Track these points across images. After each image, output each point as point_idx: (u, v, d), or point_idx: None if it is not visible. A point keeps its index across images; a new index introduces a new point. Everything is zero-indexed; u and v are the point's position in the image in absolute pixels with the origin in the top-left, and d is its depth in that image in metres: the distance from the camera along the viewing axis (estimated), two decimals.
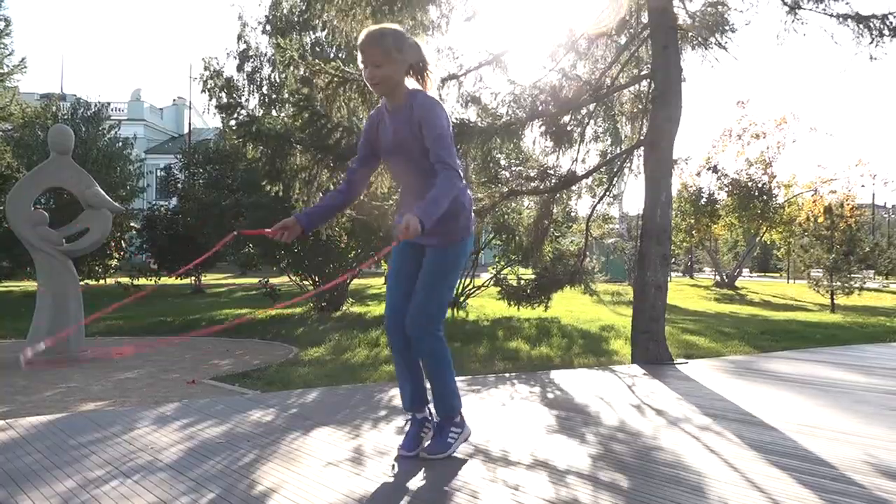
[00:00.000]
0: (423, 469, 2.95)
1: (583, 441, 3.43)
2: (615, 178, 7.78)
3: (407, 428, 3.18)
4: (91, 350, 8.09)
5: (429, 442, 3.13)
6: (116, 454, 3.23)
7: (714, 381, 5.36)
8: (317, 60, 6.98)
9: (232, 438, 3.51)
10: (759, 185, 26.79)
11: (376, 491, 2.67)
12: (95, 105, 23.98)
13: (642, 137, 7.48)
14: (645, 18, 7.71)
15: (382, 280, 26.41)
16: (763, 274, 49.85)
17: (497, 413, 4.14)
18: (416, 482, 2.80)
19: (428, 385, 3.13)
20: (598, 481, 2.77)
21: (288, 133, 6.00)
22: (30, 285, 21.64)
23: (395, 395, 4.68)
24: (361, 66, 2.90)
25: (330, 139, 5.90)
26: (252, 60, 23.98)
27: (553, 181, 7.64)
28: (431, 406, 3.17)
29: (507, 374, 5.96)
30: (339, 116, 6.45)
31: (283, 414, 4.13)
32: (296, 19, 23.86)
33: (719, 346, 8.69)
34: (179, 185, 18.62)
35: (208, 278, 23.88)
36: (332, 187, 6.34)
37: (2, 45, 23.02)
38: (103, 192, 8.17)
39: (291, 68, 7.03)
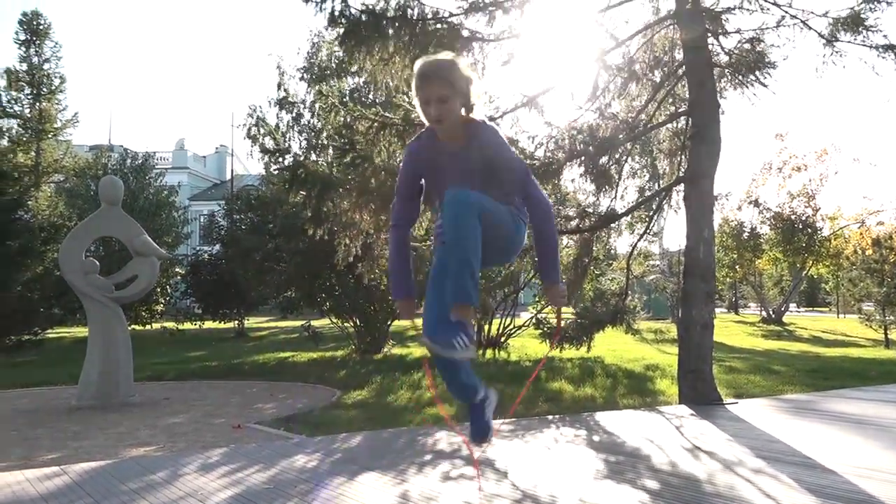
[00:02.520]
0: None
1: (633, 485, 3.35)
2: (655, 216, 7.71)
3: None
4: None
5: (469, 430, 3.02)
6: (165, 499, 3.27)
7: (766, 422, 5.21)
8: (357, 106, 7.13)
9: (279, 484, 3.52)
10: (803, 219, 26.28)
11: None
12: (142, 155, 24.80)
13: (682, 174, 7.44)
14: (679, 55, 7.74)
15: (422, 321, 26.35)
16: (811, 309, 48.55)
17: (543, 457, 4.08)
18: None
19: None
20: None
21: (331, 177, 6.11)
22: (80, 331, 22.20)
23: (439, 439, 4.65)
24: (420, 101, 2.62)
25: (372, 182, 6.00)
26: (292, 108, 24.58)
27: (593, 220, 7.62)
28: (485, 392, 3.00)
29: (550, 417, 5.88)
30: (379, 160, 6.55)
31: (328, 459, 4.13)
32: (333, 66, 24.48)
33: (770, 385, 8.45)
34: (223, 231, 19.01)
35: (250, 322, 24.15)
36: (372, 231, 6.42)
37: (56, 101, 24.11)
38: (151, 240, 8.40)
39: (332, 114, 7.20)
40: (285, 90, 23.94)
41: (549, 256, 2.73)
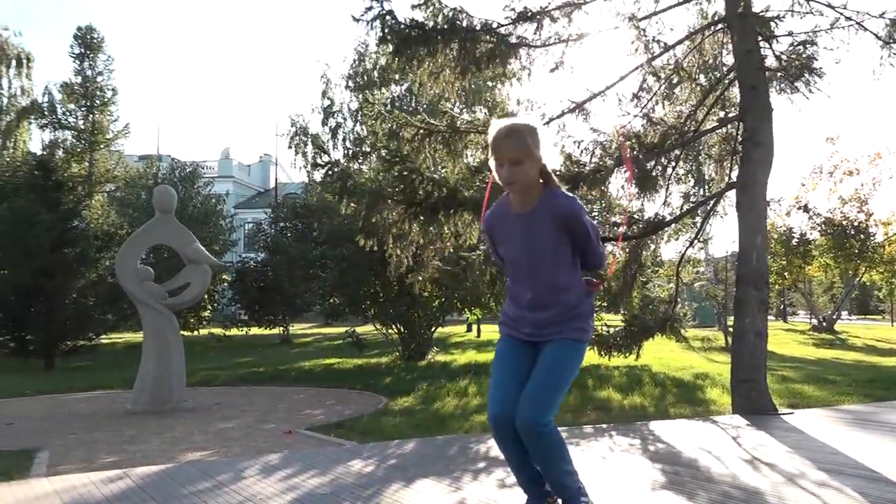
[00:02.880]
0: None
1: (693, 497, 3.30)
2: (705, 223, 7.61)
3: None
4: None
5: None
6: (228, 502, 3.33)
7: (826, 433, 5.07)
8: (402, 114, 7.19)
9: (336, 489, 3.56)
10: (855, 224, 25.57)
11: None
12: (190, 165, 25.37)
13: (732, 180, 7.32)
14: (728, 60, 7.63)
15: (464, 328, 26.41)
16: (863, 316, 47.17)
17: (598, 467, 4.04)
18: None
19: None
20: None
21: (380, 188, 6.18)
22: (132, 337, 22.76)
23: (492, 447, 4.64)
24: (496, 160, 2.64)
25: (420, 192, 6.04)
26: (335, 116, 24.95)
27: (641, 226, 7.54)
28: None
29: (603, 426, 5.82)
30: (424, 168, 6.60)
31: (382, 465, 4.16)
32: (376, 76, 24.78)
33: (826, 396, 8.24)
34: (269, 239, 19.33)
35: (295, 328, 24.49)
36: (421, 241, 6.45)
37: (108, 113, 24.84)
38: (203, 248, 8.59)
39: (379, 122, 7.28)
40: (330, 98, 24.35)
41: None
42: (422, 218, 6.14)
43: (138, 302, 8.18)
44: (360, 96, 23.43)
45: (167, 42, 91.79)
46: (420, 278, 7.01)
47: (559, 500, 2.81)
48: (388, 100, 22.39)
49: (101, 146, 24.75)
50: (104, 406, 8.52)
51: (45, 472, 4.79)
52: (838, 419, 5.86)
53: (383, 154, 6.36)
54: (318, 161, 7.05)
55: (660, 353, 14.21)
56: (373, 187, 6.17)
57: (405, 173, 6.01)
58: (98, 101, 24.80)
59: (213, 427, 6.89)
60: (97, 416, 7.72)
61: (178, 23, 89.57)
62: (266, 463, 4.31)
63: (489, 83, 7.91)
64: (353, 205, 6.30)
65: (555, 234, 2.68)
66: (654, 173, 7.47)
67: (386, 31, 6.41)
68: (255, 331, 22.62)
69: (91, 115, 24.76)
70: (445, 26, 6.52)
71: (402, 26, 6.41)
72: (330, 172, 6.30)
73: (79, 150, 24.34)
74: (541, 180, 2.69)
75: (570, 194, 2.79)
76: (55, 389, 10.30)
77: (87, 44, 24.77)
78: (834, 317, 28.01)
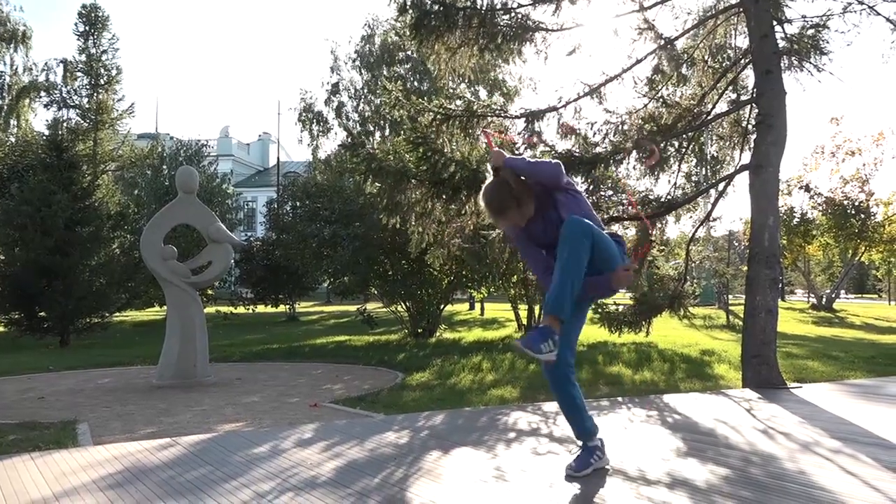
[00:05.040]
0: (573, 486, 3.13)
1: (717, 463, 3.52)
2: (717, 203, 7.79)
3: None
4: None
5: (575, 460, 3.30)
6: (279, 468, 3.55)
7: (835, 405, 5.31)
8: (420, 100, 7.34)
9: (378, 457, 3.77)
10: (856, 204, 25.77)
11: None
12: (194, 144, 25.44)
13: (744, 162, 7.49)
14: (741, 43, 7.77)
15: (467, 307, 26.71)
16: (860, 295, 47.53)
17: (622, 435, 4.26)
18: (565, 498, 2.98)
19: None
20: (746, 501, 2.87)
21: (405, 169, 6.35)
22: (140, 316, 23.00)
23: (519, 418, 4.88)
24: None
25: (444, 174, 6.22)
26: (340, 94, 24.98)
27: (653, 207, 7.72)
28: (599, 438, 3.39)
29: (618, 398, 6.05)
30: (447, 150, 6.76)
31: (418, 435, 4.38)
32: (384, 55, 24.76)
33: (831, 371, 8.49)
34: (285, 218, 19.51)
35: (299, 307, 24.73)
36: (443, 218, 6.65)
37: (113, 92, 24.87)
38: (225, 228, 8.77)
39: (396, 108, 7.42)
40: (339, 75, 24.36)
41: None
42: (444, 197, 6.33)
43: (163, 280, 8.37)
44: (368, 75, 23.44)
45: (163, 19, 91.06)
46: (438, 255, 7.20)
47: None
48: (395, 78, 22.42)
49: (107, 125, 24.81)
50: (129, 381, 8.74)
51: (91, 441, 5.01)
52: (845, 392, 6.10)
53: (407, 135, 6.51)
54: (346, 143, 7.17)
55: (664, 331, 14.46)
56: (398, 167, 6.34)
57: (429, 154, 6.18)
58: (103, 80, 24.81)
59: (240, 400, 7.11)
60: (125, 391, 7.94)
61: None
62: (304, 433, 4.53)
63: (499, 62, 8.02)
64: (377, 184, 6.48)
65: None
66: (666, 155, 7.66)
67: (409, 2, 6.52)
68: (260, 308, 22.86)
69: (96, 94, 24.79)
70: (468, 3, 6.64)
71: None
72: (357, 153, 6.45)
73: (84, 129, 24.39)
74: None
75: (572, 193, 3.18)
76: (77, 365, 10.53)
77: (91, 22, 24.73)
78: (833, 295, 28.29)
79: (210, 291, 21.88)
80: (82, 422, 5.90)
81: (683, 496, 2.95)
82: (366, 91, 23.64)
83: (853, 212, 25.59)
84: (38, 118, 29.28)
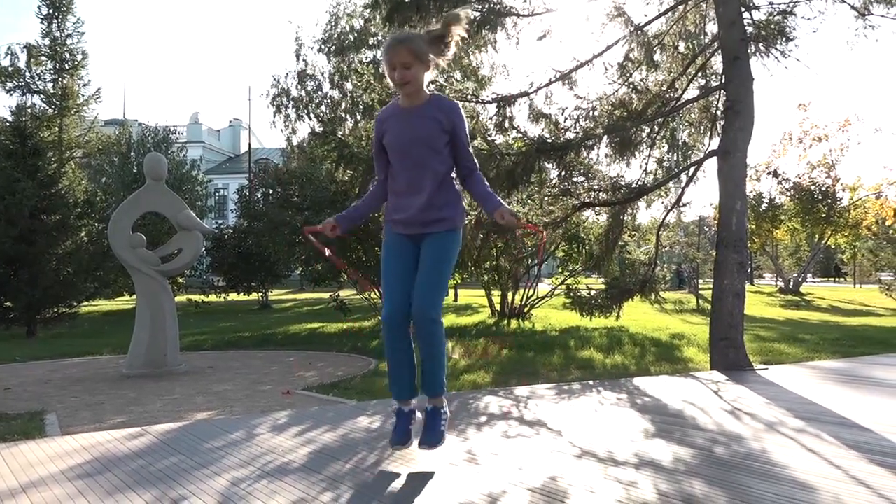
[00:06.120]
0: (542, 468, 3.16)
1: (684, 444, 3.59)
2: (686, 188, 7.89)
3: (395, 422, 3.38)
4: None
5: (422, 434, 3.32)
6: (251, 455, 3.54)
7: (799, 386, 5.43)
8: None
9: (349, 442, 3.78)
10: (823, 189, 26.26)
11: (498, 487, 2.89)
12: (163, 130, 25.06)
13: (711, 148, 7.58)
14: (712, 29, 7.84)
15: None
16: (826, 279, 48.50)
17: (592, 418, 4.32)
18: (536, 479, 3.01)
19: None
20: (711, 479, 2.94)
21: None
22: (108, 305, 22.69)
23: (490, 402, 4.91)
24: (388, 66, 3.02)
25: None
26: (310, 80, 24.71)
27: (624, 192, 7.79)
28: (415, 401, 3.38)
29: (590, 382, 6.12)
30: None
31: (390, 420, 4.37)
32: (351, 39, 24.51)
33: (797, 352, 8.67)
34: (256, 205, 19.32)
35: (272, 294, 24.58)
36: None
37: (79, 77, 24.34)
38: (194, 215, 8.67)
39: (368, 92, 7.38)
40: (304, 61, 24.06)
41: (492, 199, 3.10)
42: None
43: (132, 269, 8.26)
44: (336, 60, 23.19)
45: (130, 2, 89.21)
46: None
47: (418, 414, 3.34)
48: (365, 64, 22.22)
49: (72, 111, 24.31)
50: (98, 371, 8.64)
51: (60, 432, 4.95)
52: (811, 374, 6.24)
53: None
54: (317, 131, 7.11)
55: (635, 315, 14.65)
56: (370, 154, 6.30)
57: None
58: (68, 65, 24.27)
59: (211, 389, 7.07)
60: (94, 381, 7.84)
61: None
62: (276, 420, 4.52)
63: (470, 49, 8.03)
64: (349, 171, 6.44)
65: (437, 126, 3.07)
66: (637, 140, 7.72)
67: None
68: (233, 297, 22.69)
69: (61, 80, 24.25)
70: None
71: None
72: (329, 142, 6.40)
73: (49, 115, 23.86)
74: (427, 91, 3.12)
75: (458, 104, 3.19)
76: (44, 355, 10.38)
77: (55, 4, 24.13)
78: (800, 279, 28.85)
79: (181, 280, 21.66)
80: (50, 412, 5.83)
81: (649, 476, 3.00)
82: (337, 77, 23.40)
83: (820, 197, 26.09)
84: (1, 104, 28.51)
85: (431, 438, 3.25)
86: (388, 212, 3.30)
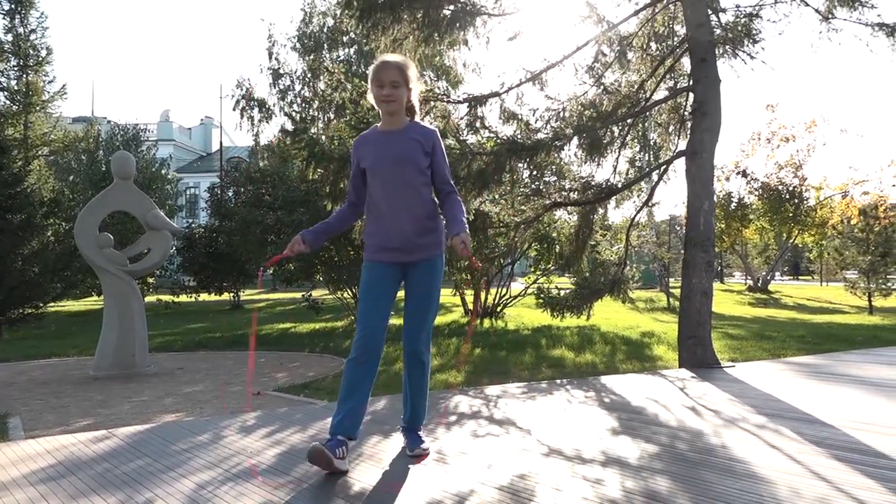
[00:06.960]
0: (510, 467, 3.19)
1: (648, 441, 3.64)
2: (655, 188, 7.98)
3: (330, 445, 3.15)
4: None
5: (410, 443, 3.50)
6: (218, 457, 3.52)
7: (764, 383, 5.54)
8: (362, 82, 7.29)
9: (320, 442, 3.77)
10: (790, 189, 26.72)
11: (466, 486, 2.91)
12: (132, 128, 24.69)
13: (680, 148, 7.69)
14: (678, 30, 7.94)
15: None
16: (794, 277, 49.36)
17: (560, 417, 4.36)
18: (503, 478, 3.04)
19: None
20: (675, 476, 2.99)
21: (349, 154, 6.31)
22: (76, 306, 22.32)
23: (461, 401, 4.93)
24: (377, 84, 3.11)
25: None
26: (283, 78, 24.52)
27: (594, 192, 7.86)
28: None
29: (558, 381, 6.17)
30: None
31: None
32: (324, 38, 24.37)
33: (763, 350, 8.82)
34: (227, 204, 19.12)
35: (244, 295, 24.36)
36: None
37: (43, 73, 23.87)
38: (163, 215, 8.56)
39: (339, 91, 7.36)
40: (277, 59, 23.85)
41: (458, 225, 3.11)
42: None
43: (99, 269, 8.13)
44: (309, 58, 23.05)
45: None
46: None
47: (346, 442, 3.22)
48: (339, 62, 22.14)
49: (37, 108, 23.83)
50: (65, 373, 8.49)
51: (24, 436, 4.87)
52: (776, 370, 6.36)
53: (350, 120, 6.46)
54: (288, 129, 7.07)
55: (606, 314, 14.79)
56: (341, 153, 6.29)
57: None
58: (32, 61, 23.80)
59: (180, 390, 7.00)
60: (60, 383, 7.71)
61: None
62: (245, 421, 4.49)
63: (443, 49, 8.06)
64: (320, 170, 6.42)
65: (419, 147, 3.15)
66: (606, 141, 7.80)
67: None
68: (204, 297, 22.44)
69: (25, 76, 23.77)
70: None
71: None
72: (299, 140, 6.37)
73: (13, 112, 23.37)
74: (407, 117, 3.23)
75: (436, 130, 3.29)
76: (9, 357, 10.18)
77: None
78: (769, 277, 29.33)
79: (151, 280, 21.37)
80: (14, 415, 5.73)
81: (615, 473, 3.04)
82: (309, 76, 23.24)
83: (787, 196, 26.54)
84: None
85: (420, 442, 3.47)
86: (371, 238, 3.26)
